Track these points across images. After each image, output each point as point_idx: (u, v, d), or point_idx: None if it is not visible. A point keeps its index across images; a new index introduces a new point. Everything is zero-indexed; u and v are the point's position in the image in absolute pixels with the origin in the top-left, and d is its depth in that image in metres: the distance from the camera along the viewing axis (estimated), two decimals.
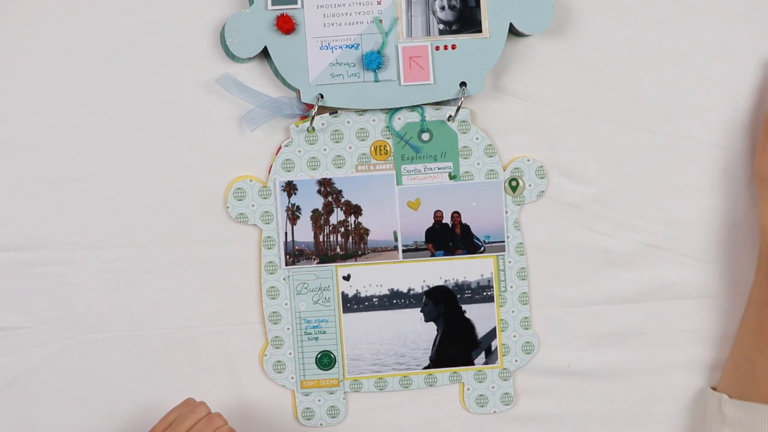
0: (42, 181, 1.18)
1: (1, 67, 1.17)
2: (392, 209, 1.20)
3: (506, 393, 1.22)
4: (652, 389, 1.23)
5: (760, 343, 1.11)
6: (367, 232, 1.20)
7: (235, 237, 1.19)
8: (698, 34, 1.21)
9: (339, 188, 1.19)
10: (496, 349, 1.21)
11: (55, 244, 1.18)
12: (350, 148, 1.19)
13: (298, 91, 1.17)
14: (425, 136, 1.19)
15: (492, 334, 1.21)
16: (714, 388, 1.18)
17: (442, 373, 1.21)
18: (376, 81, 1.17)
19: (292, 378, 1.21)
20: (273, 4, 1.15)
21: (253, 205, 1.19)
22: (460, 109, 1.18)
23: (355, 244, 1.20)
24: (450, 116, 1.19)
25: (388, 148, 1.19)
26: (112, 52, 1.17)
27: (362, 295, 1.20)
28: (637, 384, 1.23)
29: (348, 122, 1.19)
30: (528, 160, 1.20)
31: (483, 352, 1.21)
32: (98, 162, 1.18)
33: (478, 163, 1.20)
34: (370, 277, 1.20)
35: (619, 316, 1.23)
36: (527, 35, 1.19)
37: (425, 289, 1.21)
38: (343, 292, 1.20)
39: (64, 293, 1.18)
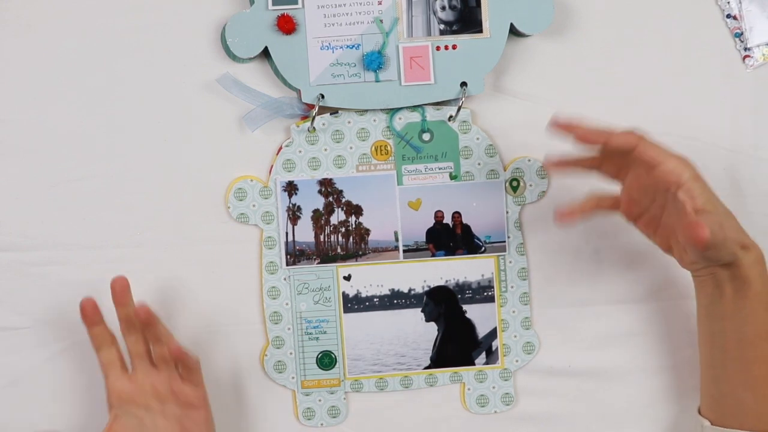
0: (42, 181, 1.17)
1: (1, 67, 1.17)
2: (393, 209, 1.20)
3: (507, 393, 1.22)
4: (651, 389, 1.23)
5: (748, 380, 1.10)
6: (367, 232, 1.20)
7: (235, 237, 1.19)
8: (699, 33, 1.21)
9: (340, 188, 1.19)
10: (496, 349, 1.21)
11: (55, 244, 1.18)
12: (351, 148, 1.19)
13: (298, 91, 1.17)
14: (426, 136, 1.19)
15: (493, 334, 1.22)
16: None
17: (443, 373, 1.21)
18: (377, 81, 1.17)
19: (293, 378, 1.21)
20: (273, 4, 1.15)
21: (253, 206, 1.19)
22: (461, 109, 1.18)
23: (355, 244, 1.20)
24: (451, 116, 1.19)
25: (388, 148, 1.19)
26: (112, 52, 1.17)
27: (363, 295, 1.20)
28: (637, 384, 1.23)
29: (349, 122, 1.19)
30: (529, 160, 1.20)
31: (483, 352, 1.22)
32: (98, 162, 1.18)
33: (479, 164, 1.20)
34: (370, 277, 1.20)
35: (619, 316, 1.23)
36: (528, 35, 1.19)
37: (426, 289, 1.21)
38: (343, 292, 1.20)
39: (64, 293, 1.18)
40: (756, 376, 1.09)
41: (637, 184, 1.09)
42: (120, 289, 1.12)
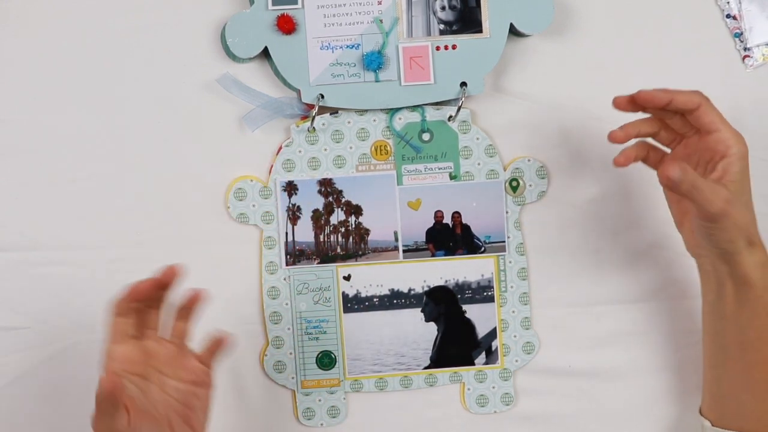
0: (42, 181, 1.17)
1: (1, 67, 1.17)
2: (393, 209, 1.20)
3: (506, 393, 1.22)
4: (652, 389, 1.23)
5: (748, 383, 1.10)
6: (367, 232, 1.20)
7: (235, 237, 1.19)
8: (699, 34, 1.21)
9: (339, 188, 1.19)
10: (496, 349, 1.21)
11: (55, 244, 1.18)
12: (351, 148, 1.19)
13: (298, 91, 1.17)
14: (426, 136, 1.19)
15: (492, 334, 1.21)
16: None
17: (443, 373, 1.21)
18: (377, 81, 1.17)
19: (293, 378, 1.21)
20: (273, 4, 1.15)
21: (253, 206, 1.19)
22: (461, 109, 1.18)
23: (355, 244, 1.20)
24: (450, 116, 1.19)
25: (388, 148, 1.19)
26: (112, 52, 1.17)
27: (363, 295, 1.20)
28: (637, 384, 1.23)
29: (348, 122, 1.19)
30: (528, 161, 1.20)
31: (483, 352, 1.22)
32: (98, 162, 1.18)
33: (479, 163, 1.20)
34: (370, 277, 1.20)
35: (619, 316, 1.23)
36: (528, 35, 1.19)
37: (426, 289, 1.21)
38: (343, 292, 1.20)
39: (64, 293, 1.18)
40: (757, 379, 1.09)
41: (685, 152, 1.10)
42: (172, 277, 1.03)
